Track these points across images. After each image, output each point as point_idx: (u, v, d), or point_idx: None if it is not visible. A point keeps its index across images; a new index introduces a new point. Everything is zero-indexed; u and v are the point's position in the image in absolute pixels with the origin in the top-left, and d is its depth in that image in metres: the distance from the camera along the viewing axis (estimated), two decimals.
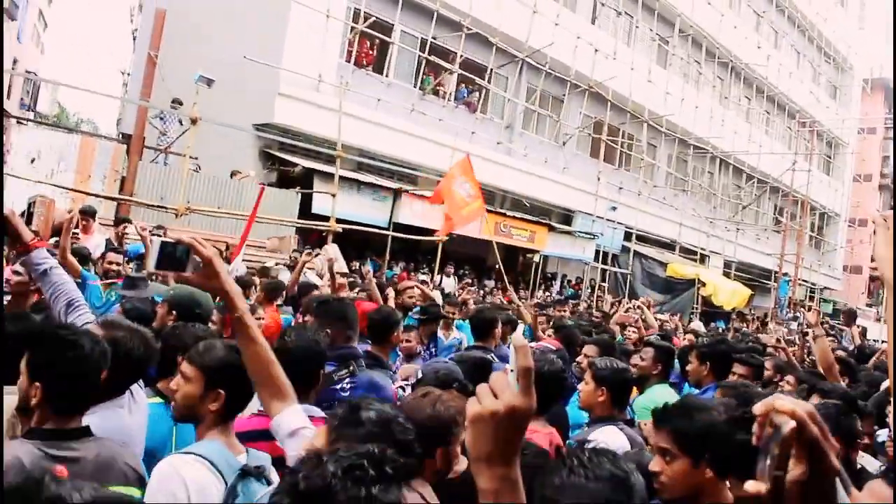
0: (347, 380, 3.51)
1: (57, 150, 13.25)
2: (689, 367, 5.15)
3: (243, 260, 9.68)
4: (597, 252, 22.47)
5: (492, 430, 1.16)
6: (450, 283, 15.99)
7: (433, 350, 6.78)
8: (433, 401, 2.39)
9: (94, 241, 9.19)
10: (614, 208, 23.15)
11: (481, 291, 16.20)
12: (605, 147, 23.33)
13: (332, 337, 3.62)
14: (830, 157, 37.33)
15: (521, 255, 22.13)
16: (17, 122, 15.15)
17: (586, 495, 1.70)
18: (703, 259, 26.72)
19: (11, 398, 2.27)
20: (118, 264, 6.34)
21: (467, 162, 11.58)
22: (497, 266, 11.20)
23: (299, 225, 13.99)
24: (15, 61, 28.15)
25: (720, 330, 19.41)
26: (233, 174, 14.72)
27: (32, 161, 12.98)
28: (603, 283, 22.70)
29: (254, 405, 2.81)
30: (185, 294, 4.34)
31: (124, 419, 2.65)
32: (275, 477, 2.41)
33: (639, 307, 10.27)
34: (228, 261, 9.48)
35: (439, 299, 8.19)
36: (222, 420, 2.42)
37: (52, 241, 9.80)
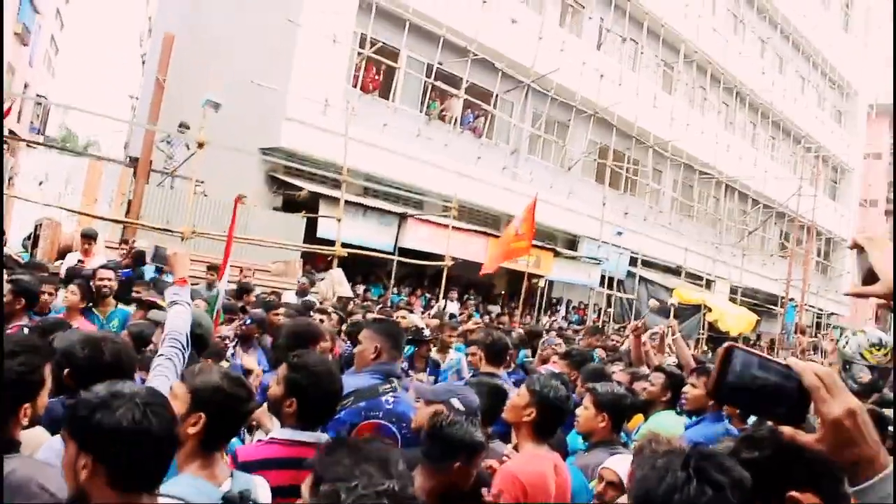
0: (391, 394, 3.60)
1: (65, 172, 13.33)
2: (689, 394, 4.95)
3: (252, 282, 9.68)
4: (602, 277, 22.41)
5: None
6: (454, 308, 15.95)
7: (432, 376, 6.86)
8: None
9: (96, 264, 9.20)
10: (620, 233, 23.12)
11: (486, 318, 16.16)
12: (610, 172, 23.35)
13: (379, 352, 3.75)
14: (836, 183, 37.30)
15: (526, 281, 22.13)
16: (27, 146, 15.23)
17: None
18: (708, 284, 26.62)
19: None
20: (110, 280, 6.24)
21: (532, 203, 11.63)
22: (503, 292, 11.17)
23: (305, 249, 13.98)
24: (26, 85, 28.38)
25: None
26: (238, 198, 14.73)
27: (40, 184, 13.05)
28: (608, 309, 22.61)
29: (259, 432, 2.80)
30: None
31: None
32: (264, 498, 2.40)
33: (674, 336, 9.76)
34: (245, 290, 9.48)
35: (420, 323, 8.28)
36: (203, 450, 2.35)
37: (57, 262, 9.85)
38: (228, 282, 7.70)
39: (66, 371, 2.65)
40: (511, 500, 2.93)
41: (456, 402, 3.25)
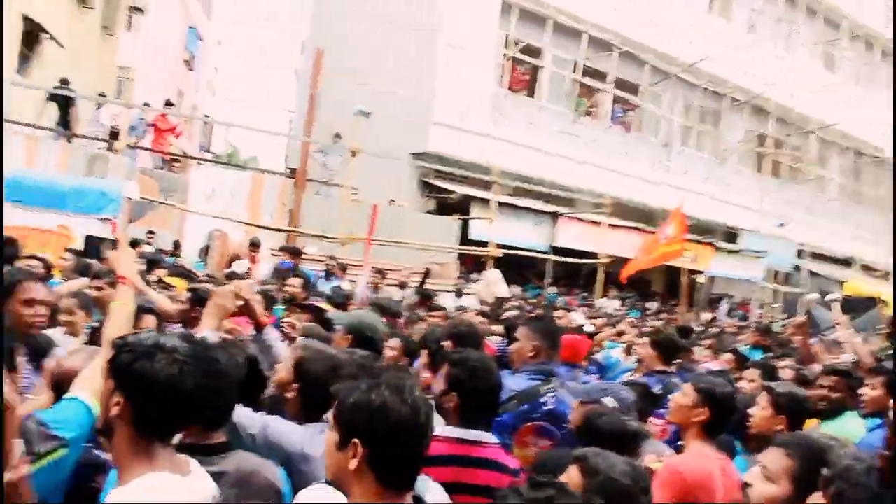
0: (550, 394, 3.55)
1: (230, 186, 14.02)
2: (866, 396, 4.55)
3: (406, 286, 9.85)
4: (766, 271, 21.36)
5: None
6: (613, 306, 15.62)
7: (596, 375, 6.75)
8: None
9: (263, 270, 9.65)
10: (782, 225, 21.95)
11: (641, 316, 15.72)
12: (769, 161, 22.24)
13: (536, 351, 3.71)
14: None
15: (683, 276, 21.44)
16: (198, 163, 16.22)
17: None
18: (886, 276, 24.80)
19: None
20: (294, 287, 6.20)
21: (678, 208, 11.36)
22: (660, 289, 10.87)
23: (458, 251, 14.09)
24: (194, 107, 30.36)
25: None
26: (391, 203, 15.08)
27: (209, 198, 13.81)
28: (774, 305, 21.50)
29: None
30: (358, 319, 4.44)
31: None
32: (432, 498, 2.34)
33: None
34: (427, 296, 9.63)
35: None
36: None
37: (227, 270, 10.39)
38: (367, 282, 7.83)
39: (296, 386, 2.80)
40: (671, 495, 2.79)
41: (609, 401, 3.20)
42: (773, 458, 2.33)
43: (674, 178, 19.79)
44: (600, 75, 19.28)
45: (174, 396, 1.82)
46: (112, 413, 1.82)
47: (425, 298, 8.10)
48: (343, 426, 1.81)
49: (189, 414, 1.92)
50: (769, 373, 5.14)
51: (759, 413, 3.65)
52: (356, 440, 1.76)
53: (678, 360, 5.78)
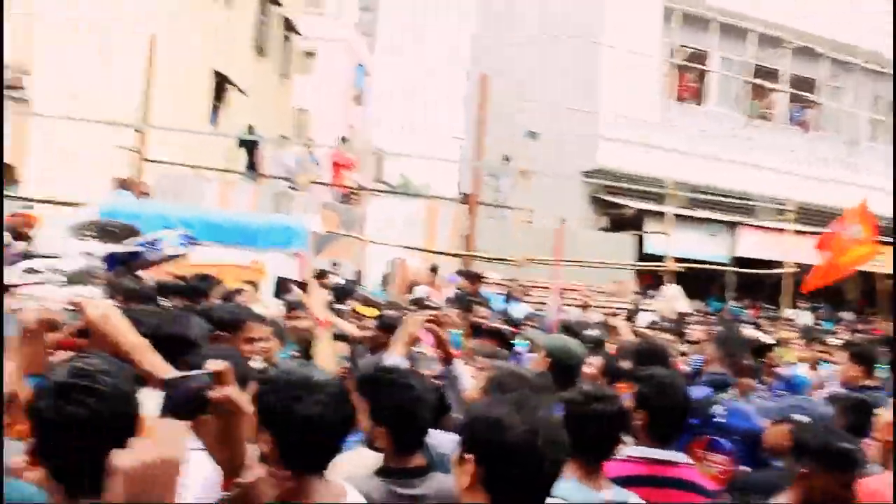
0: (722, 406, 3.49)
1: (405, 215, 14.52)
2: None
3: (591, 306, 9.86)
4: None
5: None
6: (807, 319, 14.75)
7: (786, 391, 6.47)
8: None
9: (443, 296, 9.91)
10: None
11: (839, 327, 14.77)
12: None
13: (711, 360, 3.75)
14: None
15: (880, 283, 19.90)
16: (374, 195, 16.97)
17: None
18: None
19: None
20: (484, 318, 6.28)
21: (863, 205, 10.58)
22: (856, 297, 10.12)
23: (636, 267, 13.86)
24: (366, 141, 31.82)
25: None
26: (562, 223, 15.10)
27: (386, 228, 14.37)
28: None
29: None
30: (561, 343, 4.45)
31: None
32: None
33: None
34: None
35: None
36: (585, 464, 2.44)
37: (410, 297, 10.76)
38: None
39: None
40: None
41: (801, 418, 3.02)
42: None
43: (863, 177, 18.50)
44: (773, 74, 18.44)
45: (319, 435, 1.84)
46: (262, 451, 1.83)
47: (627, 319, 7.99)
48: (462, 440, 1.76)
49: (337, 447, 1.93)
50: None
51: None
52: (469, 455, 1.69)
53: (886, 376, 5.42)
